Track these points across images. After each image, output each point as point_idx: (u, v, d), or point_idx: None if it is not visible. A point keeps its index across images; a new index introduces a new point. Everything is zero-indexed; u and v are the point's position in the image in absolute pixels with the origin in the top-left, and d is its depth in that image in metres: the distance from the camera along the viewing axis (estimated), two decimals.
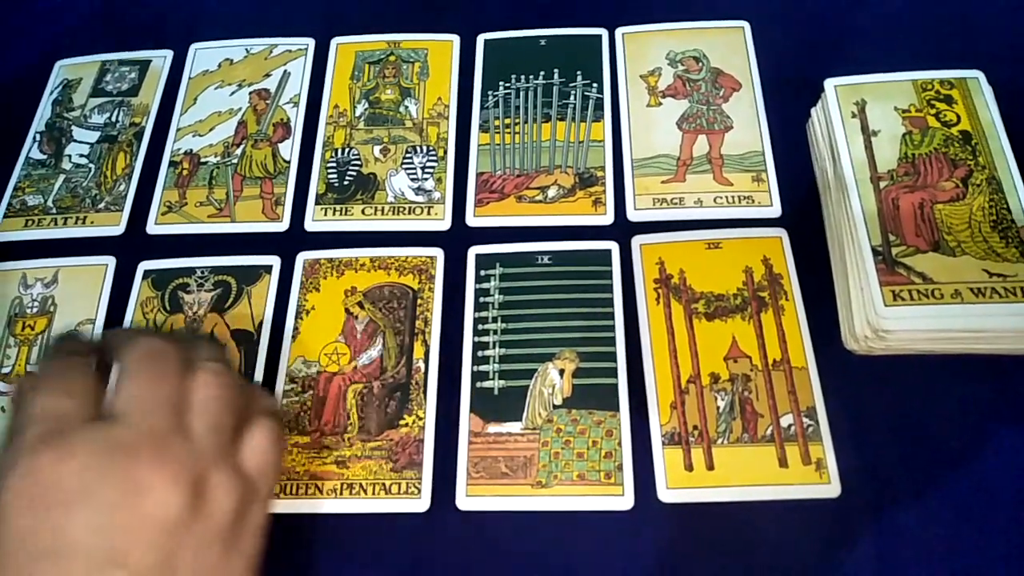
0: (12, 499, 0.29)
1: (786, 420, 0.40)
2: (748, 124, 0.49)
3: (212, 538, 0.31)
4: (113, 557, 0.28)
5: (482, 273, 0.46)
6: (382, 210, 0.49)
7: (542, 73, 0.52)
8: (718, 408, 0.41)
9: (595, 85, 0.52)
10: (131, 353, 0.34)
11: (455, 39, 0.55)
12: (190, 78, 0.55)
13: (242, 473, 0.33)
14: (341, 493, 0.40)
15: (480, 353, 0.43)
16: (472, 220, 0.48)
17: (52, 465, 0.29)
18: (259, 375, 0.44)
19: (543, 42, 0.54)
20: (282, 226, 0.49)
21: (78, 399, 0.32)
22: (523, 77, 0.52)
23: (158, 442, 0.31)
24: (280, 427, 0.36)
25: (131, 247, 0.49)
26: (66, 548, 0.28)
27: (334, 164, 0.51)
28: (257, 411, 0.36)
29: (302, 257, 0.47)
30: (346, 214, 0.49)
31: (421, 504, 0.40)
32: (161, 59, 0.56)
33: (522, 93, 0.52)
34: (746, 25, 0.53)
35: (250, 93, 0.54)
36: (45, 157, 0.53)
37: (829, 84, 0.46)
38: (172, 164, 0.52)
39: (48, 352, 0.37)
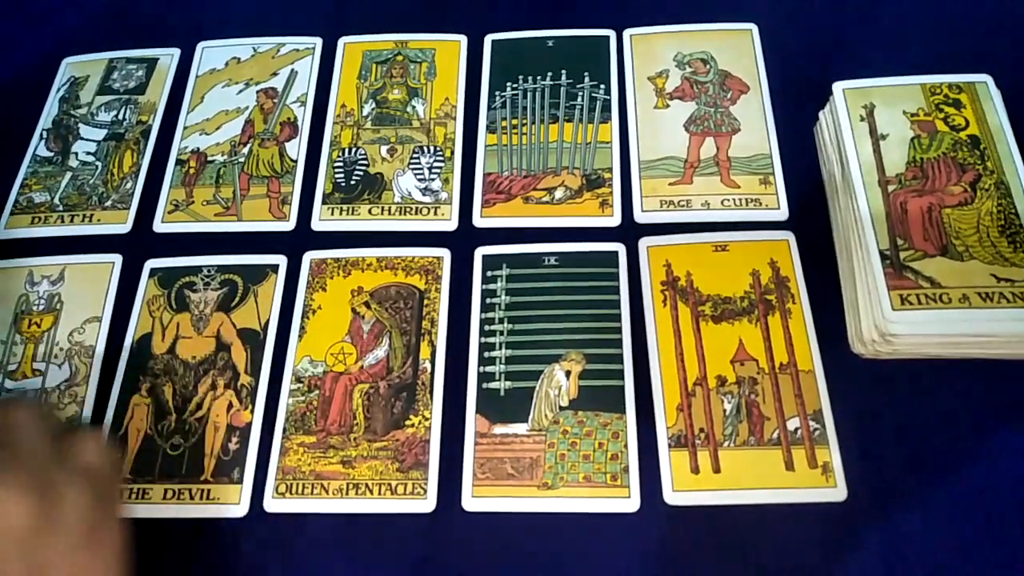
0: None
1: (793, 423, 0.40)
2: (756, 127, 0.49)
3: (76, 541, 0.31)
4: None
5: (489, 274, 0.46)
6: (389, 210, 0.49)
7: (549, 74, 0.52)
8: (724, 411, 0.41)
9: (602, 86, 0.52)
10: None
11: (463, 39, 0.55)
12: (197, 76, 0.55)
13: (86, 475, 0.33)
14: (347, 493, 0.40)
15: (486, 354, 0.43)
16: (479, 221, 0.48)
17: None
18: (265, 374, 0.44)
19: (551, 43, 0.54)
20: (289, 225, 0.49)
21: None
22: (530, 78, 0.52)
23: None
24: (104, 434, 0.39)
25: (138, 245, 0.49)
26: None
27: (341, 163, 0.51)
28: (75, 427, 0.38)
29: (309, 256, 0.47)
30: (353, 214, 0.49)
31: (427, 504, 0.40)
32: (168, 57, 0.56)
33: (529, 94, 0.52)
34: (754, 27, 0.53)
35: (257, 92, 0.54)
36: (52, 154, 0.53)
37: (837, 87, 0.46)
38: (179, 162, 0.52)
39: None
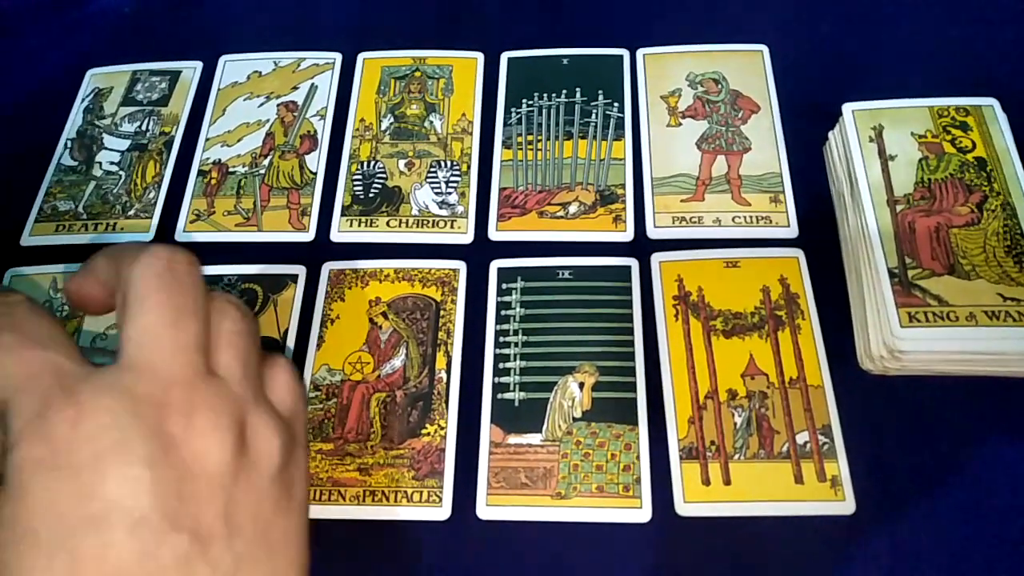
0: (30, 471, 0.23)
1: (802, 437, 0.41)
2: (766, 145, 0.50)
3: (266, 487, 0.26)
4: (169, 518, 0.23)
5: (504, 286, 0.47)
6: (406, 223, 0.50)
7: (564, 92, 0.53)
8: (735, 424, 0.42)
9: (616, 104, 0.53)
10: (143, 272, 0.26)
11: (479, 56, 0.56)
12: (219, 89, 0.56)
13: (278, 414, 0.28)
14: (363, 500, 0.41)
15: (501, 365, 0.44)
16: (494, 234, 0.49)
17: (68, 427, 0.24)
18: None
19: (566, 61, 0.55)
20: (308, 236, 0.50)
21: (56, 346, 0.26)
22: (546, 95, 0.53)
23: (187, 388, 0.25)
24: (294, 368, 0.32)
25: None
26: (107, 512, 0.23)
27: (360, 176, 0.52)
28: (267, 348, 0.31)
29: (327, 267, 0.48)
30: (371, 226, 0.50)
31: (442, 512, 0.41)
32: (191, 70, 0.58)
33: (544, 111, 0.53)
34: (765, 49, 0.54)
35: (278, 105, 0.55)
36: (76, 164, 0.54)
37: (847, 108, 0.47)
38: (201, 173, 0.53)
39: None
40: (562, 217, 0.49)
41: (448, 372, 0.44)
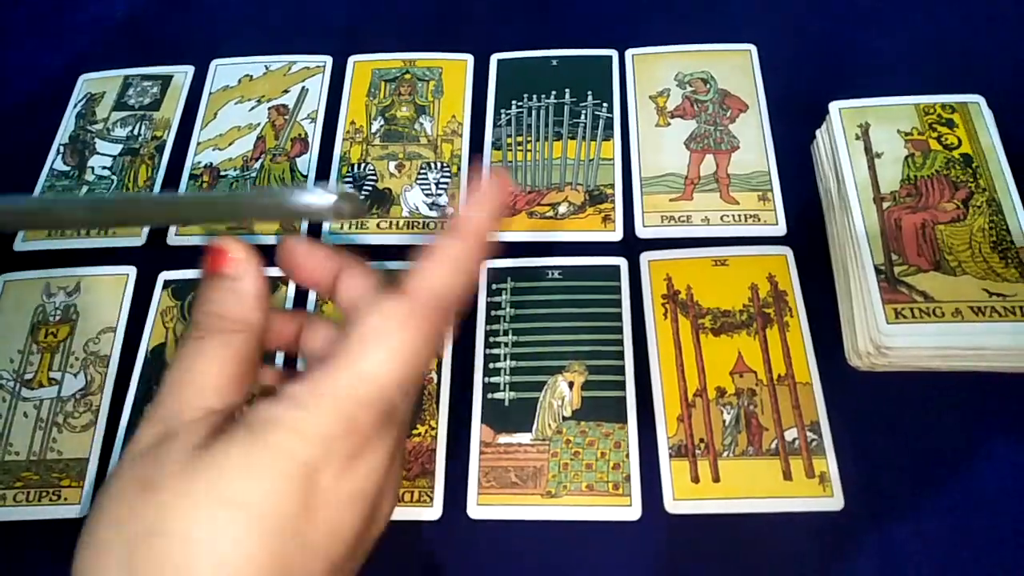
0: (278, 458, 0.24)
1: (790, 434, 0.41)
2: (754, 144, 0.51)
3: (355, 567, 0.28)
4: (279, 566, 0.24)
5: (494, 287, 0.47)
6: (397, 224, 0.50)
7: (554, 93, 0.54)
8: (724, 421, 0.42)
9: (605, 105, 0.53)
10: (426, 316, 0.27)
11: (469, 59, 0.56)
12: (211, 93, 0.57)
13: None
14: None
15: (491, 365, 0.45)
16: None
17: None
18: None
19: (555, 63, 0.55)
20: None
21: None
22: (535, 96, 0.54)
23: (388, 416, 0.26)
24: None
25: (152, 257, 0.50)
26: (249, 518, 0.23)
27: (350, 179, 0.52)
28: None
29: None
30: (362, 227, 0.50)
31: (433, 512, 0.41)
32: (182, 75, 0.58)
33: (534, 112, 0.53)
34: (753, 48, 0.54)
35: (269, 109, 0.55)
36: (68, 168, 0.54)
37: (834, 107, 0.47)
38: (192, 177, 0.53)
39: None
40: (551, 217, 0.49)
41: (439, 372, 0.45)
